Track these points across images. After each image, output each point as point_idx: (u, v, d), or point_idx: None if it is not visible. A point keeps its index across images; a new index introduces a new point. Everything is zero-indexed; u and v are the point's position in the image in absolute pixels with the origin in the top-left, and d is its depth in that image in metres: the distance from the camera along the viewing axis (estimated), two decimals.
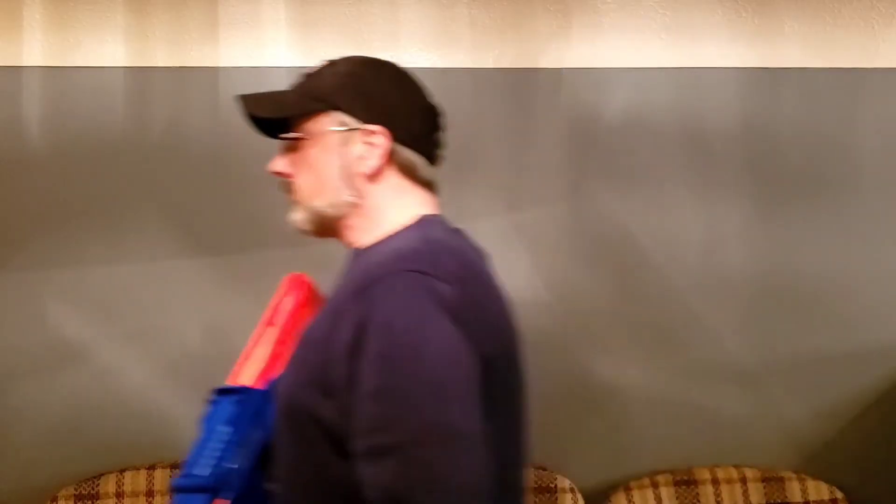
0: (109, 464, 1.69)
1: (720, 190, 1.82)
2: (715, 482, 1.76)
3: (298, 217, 1.09)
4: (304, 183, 1.08)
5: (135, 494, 1.65)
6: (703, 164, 1.82)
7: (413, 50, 1.78)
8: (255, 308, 1.73)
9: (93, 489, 1.64)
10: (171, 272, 1.73)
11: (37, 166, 1.71)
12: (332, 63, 1.09)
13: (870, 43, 1.84)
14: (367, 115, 1.04)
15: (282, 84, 1.74)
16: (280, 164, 1.09)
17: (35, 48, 1.72)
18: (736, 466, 1.79)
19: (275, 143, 1.76)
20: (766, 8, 1.82)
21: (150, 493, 1.66)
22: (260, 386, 1.02)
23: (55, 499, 1.64)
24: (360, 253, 1.07)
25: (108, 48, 1.73)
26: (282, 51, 1.76)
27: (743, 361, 1.83)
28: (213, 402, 0.99)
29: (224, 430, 0.95)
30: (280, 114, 1.08)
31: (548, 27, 1.81)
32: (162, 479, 1.67)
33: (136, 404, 1.72)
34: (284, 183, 1.09)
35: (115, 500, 1.64)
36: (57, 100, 1.72)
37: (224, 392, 1.00)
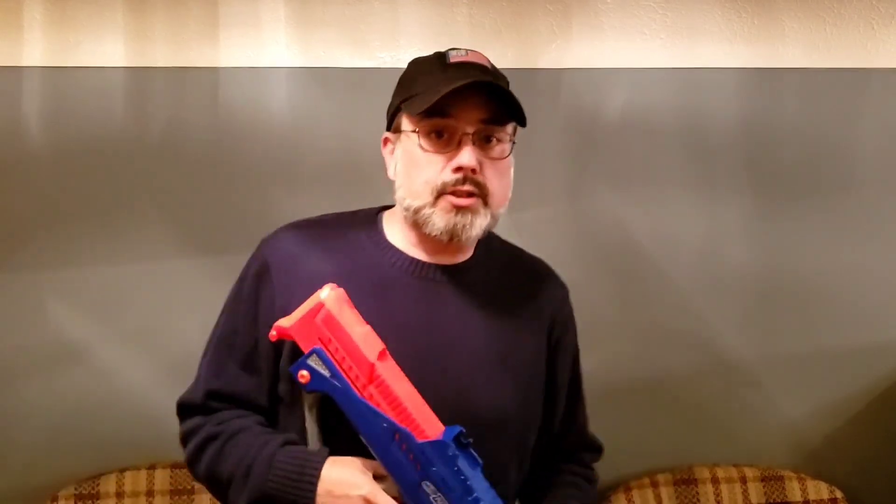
0: (109, 464, 1.69)
1: (720, 190, 1.82)
2: (715, 482, 1.76)
3: (481, 223, 1.04)
4: (498, 189, 1.07)
5: (135, 494, 1.65)
6: (703, 164, 1.82)
7: (413, 50, 1.77)
8: None
9: (93, 489, 1.64)
10: (171, 272, 1.73)
11: (37, 166, 1.71)
12: (495, 68, 1.09)
13: (870, 43, 1.84)
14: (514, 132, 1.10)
15: (281, 85, 1.76)
16: (473, 159, 1.02)
17: (35, 48, 1.72)
18: (736, 466, 1.79)
19: (270, 145, 1.76)
20: (766, 8, 1.82)
21: (150, 493, 1.66)
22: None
23: (55, 499, 1.64)
24: (464, 266, 1.11)
25: (107, 48, 1.73)
26: (282, 51, 1.76)
27: (743, 361, 1.83)
28: (458, 456, 0.95)
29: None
30: (520, 118, 1.06)
31: (548, 27, 1.81)
32: (162, 479, 1.67)
33: (136, 404, 1.72)
34: (472, 182, 1.02)
35: (115, 500, 1.64)
36: (57, 100, 1.72)
37: (462, 441, 0.95)
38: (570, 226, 1.80)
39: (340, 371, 0.97)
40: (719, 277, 1.82)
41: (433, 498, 0.94)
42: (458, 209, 1.02)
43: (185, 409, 1.11)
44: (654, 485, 1.76)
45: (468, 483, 0.93)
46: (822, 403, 1.84)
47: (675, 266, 1.81)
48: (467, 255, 1.12)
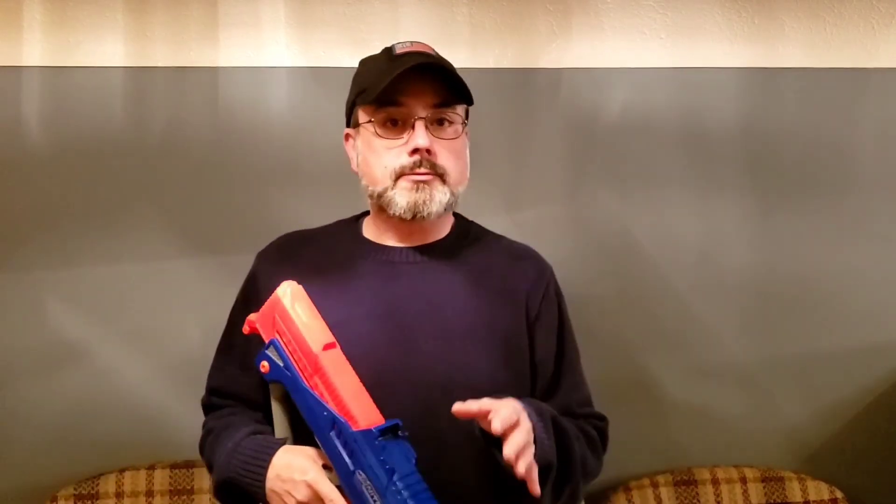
0: (109, 464, 1.69)
1: (720, 190, 1.82)
2: (715, 482, 1.76)
3: (441, 198, 1.10)
4: (454, 168, 1.13)
5: (134, 494, 1.65)
6: (703, 164, 1.82)
7: None
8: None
9: (93, 489, 1.65)
10: (171, 272, 1.73)
11: (37, 166, 1.71)
12: (440, 55, 1.15)
13: (870, 43, 1.84)
14: (467, 115, 1.17)
15: (281, 85, 1.76)
16: (428, 140, 1.09)
17: (35, 48, 1.72)
18: (736, 466, 1.79)
19: (270, 145, 1.76)
20: (766, 8, 1.82)
21: (149, 493, 1.66)
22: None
23: (55, 499, 1.64)
24: (444, 244, 1.17)
25: (107, 48, 1.73)
26: (282, 51, 1.76)
27: (743, 361, 1.83)
28: (384, 446, 0.96)
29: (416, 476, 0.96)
30: (467, 97, 1.12)
31: (548, 27, 1.81)
32: (161, 479, 1.67)
33: (136, 404, 1.72)
34: (428, 164, 1.09)
35: (114, 500, 1.64)
36: (57, 100, 1.72)
37: (385, 432, 0.97)
38: (570, 226, 1.80)
39: (292, 361, 1.03)
40: (719, 277, 1.82)
41: (364, 487, 0.96)
42: (417, 185, 1.08)
43: (203, 408, 1.23)
44: (654, 485, 1.75)
45: (393, 473, 0.94)
46: (823, 404, 1.84)
47: (675, 266, 1.81)
48: (439, 236, 1.17)
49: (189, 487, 1.67)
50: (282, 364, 1.04)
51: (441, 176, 1.09)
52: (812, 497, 1.75)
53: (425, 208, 1.08)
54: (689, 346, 1.82)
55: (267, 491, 1.01)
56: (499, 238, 1.25)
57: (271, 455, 1.02)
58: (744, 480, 1.76)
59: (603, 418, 1.23)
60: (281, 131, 1.75)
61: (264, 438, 1.07)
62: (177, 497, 1.66)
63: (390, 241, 1.16)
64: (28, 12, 1.72)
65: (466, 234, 1.21)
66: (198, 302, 1.74)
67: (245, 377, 1.15)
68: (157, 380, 1.72)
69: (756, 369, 1.83)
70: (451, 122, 1.12)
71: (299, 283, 1.09)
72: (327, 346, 1.02)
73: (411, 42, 1.15)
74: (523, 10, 1.80)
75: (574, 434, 1.10)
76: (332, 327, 1.05)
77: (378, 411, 1.00)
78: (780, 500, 1.75)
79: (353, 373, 1.02)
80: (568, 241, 1.79)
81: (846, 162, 1.84)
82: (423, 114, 1.08)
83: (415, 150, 1.07)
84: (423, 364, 1.07)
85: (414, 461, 0.96)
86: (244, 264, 1.76)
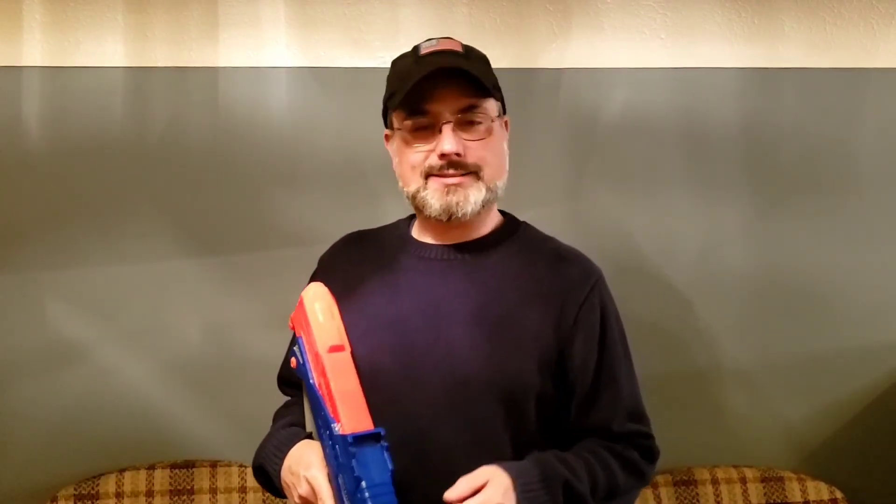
0: (109, 464, 1.69)
1: (720, 190, 1.82)
2: (714, 482, 1.76)
3: (476, 197, 1.10)
4: (489, 163, 1.12)
5: (134, 494, 1.65)
6: (703, 164, 1.82)
7: None
8: (255, 308, 1.74)
9: (93, 489, 1.65)
10: (171, 272, 1.73)
11: (37, 166, 1.71)
12: (471, 49, 1.15)
13: (870, 43, 1.84)
14: (503, 107, 1.17)
15: (281, 85, 1.76)
16: (455, 144, 1.08)
17: (35, 48, 1.72)
18: (735, 466, 1.79)
19: (270, 145, 1.75)
20: (766, 8, 1.82)
21: (149, 494, 1.66)
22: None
23: (55, 499, 1.64)
24: (485, 242, 1.17)
25: (107, 48, 1.73)
26: (282, 51, 1.76)
27: (742, 361, 1.83)
28: (356, 453, 0.95)
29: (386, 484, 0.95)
30: (489, 89, 1.11)
31: (548, 27, 1.81)
32: (161, 478, 1.67)
33: (136, 404, 1.72)
34: (458, 165, 1.09)
35: (114, 500, 1.64)
36: (57, 100, 1.72)
37: (362, 440, 0.97)
38: (570, 226, 1.80)
39: (308, 359, 1.05)
40: (719, 277, 1.82)
41: (342, 490, 0.96)
42: (449, 188, 1.09)
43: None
44: (654, 486, 1.76)
45: (361, 480, 0.94)
46: (822, 404, 1.84)
47: (675, 266, 1.81)
48: (479, 234, 1.17)
49: (189, 487, 1.67)
50: (302, 361, 1.07)
51: (475, 173, 1.10)
52: (812, 497, 1.75)
53: (460, 209, 1.09)
54: (688, 345, 1.82)
55: (281, 481, 1.06)
56: (547, 240, 1.25)
57: (289, 447, 1.06)
58: (743, 480, 1.76)
59: (648, 436, 1.20)
60: (281, 131, 1.75)
61: (291, 432, 1.11)
62: (177, 497, 1.66)
63: (430, 238, 1.18)
64: (28, 12, 1.72)
65: (511, 233, 1.21)
66: (198, 302, 1.74)
67: None
68: (157, 380, 1.73)
69: (756, 369, 1.83)
70: (480, 122, 1.12)
71: (348, 278, 1.13)
72: (333, 349, 1.03)
73: (437, 39, 1.14)
74: (523, 10, 1.80)
75: (602, 484, 1.08)
76: (366, 319, 1.09)
77: (369, 419, 1.00)
78: (779, 500, 1.75)
79: (354, 378, 1.03)
80: (567, 241, 1.78)
81: (846, 162, 1.84)
82: (449, 118, 1.08)
83: (443, 155, 1.08)
84: (442, 352, 1.08)
85: (390, 473, 0.95)
86: (244, 264, 1.77)
